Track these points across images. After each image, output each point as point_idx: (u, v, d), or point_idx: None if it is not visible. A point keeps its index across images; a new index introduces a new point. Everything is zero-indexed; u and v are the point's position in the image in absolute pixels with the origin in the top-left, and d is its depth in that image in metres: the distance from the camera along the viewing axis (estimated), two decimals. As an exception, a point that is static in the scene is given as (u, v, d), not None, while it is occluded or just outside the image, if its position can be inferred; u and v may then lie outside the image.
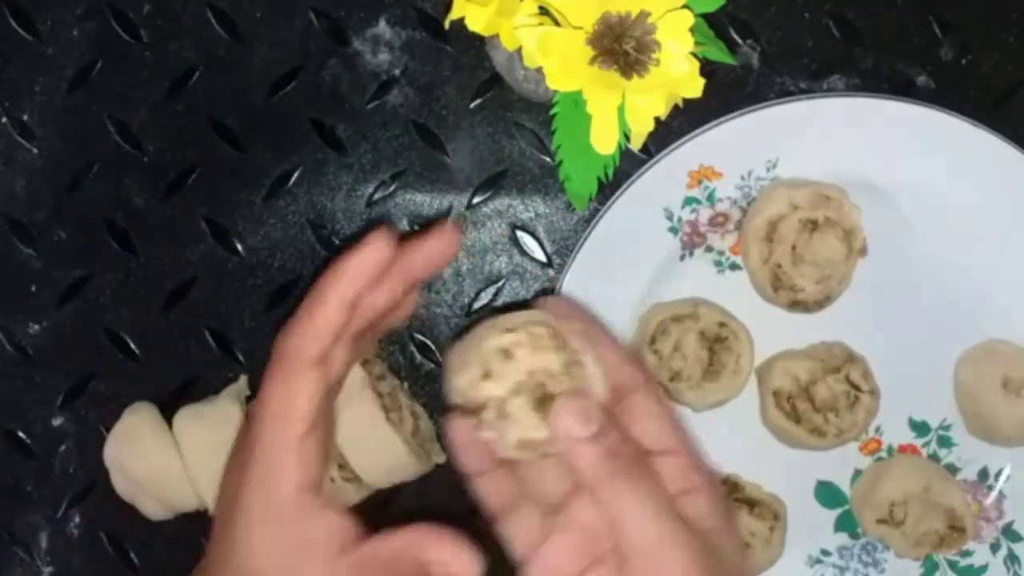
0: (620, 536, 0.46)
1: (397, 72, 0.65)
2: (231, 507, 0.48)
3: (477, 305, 0.65)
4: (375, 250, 0.48)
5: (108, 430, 0.63)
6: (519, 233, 0.65)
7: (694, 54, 0.49)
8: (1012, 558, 0.65)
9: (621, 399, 0.50)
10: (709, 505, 0.49)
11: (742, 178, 0.62)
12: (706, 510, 0.48)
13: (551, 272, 0.65)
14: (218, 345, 0.65)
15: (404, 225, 0.65)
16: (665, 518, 0.46)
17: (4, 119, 0.65)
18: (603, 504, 0.46)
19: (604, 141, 0.50)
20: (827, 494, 0.65)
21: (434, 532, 0.49)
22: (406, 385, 0.65)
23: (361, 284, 0.48)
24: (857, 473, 0.65)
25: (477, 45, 0.64)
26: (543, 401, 0.47)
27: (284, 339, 0.48)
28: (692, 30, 0.48)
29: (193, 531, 0.63)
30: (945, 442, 0.65)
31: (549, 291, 0.65)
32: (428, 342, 0.65)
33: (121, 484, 0.63)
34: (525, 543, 0.50)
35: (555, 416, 0.46)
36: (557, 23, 0.49)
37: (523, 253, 0.65)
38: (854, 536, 0.65)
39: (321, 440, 0.48)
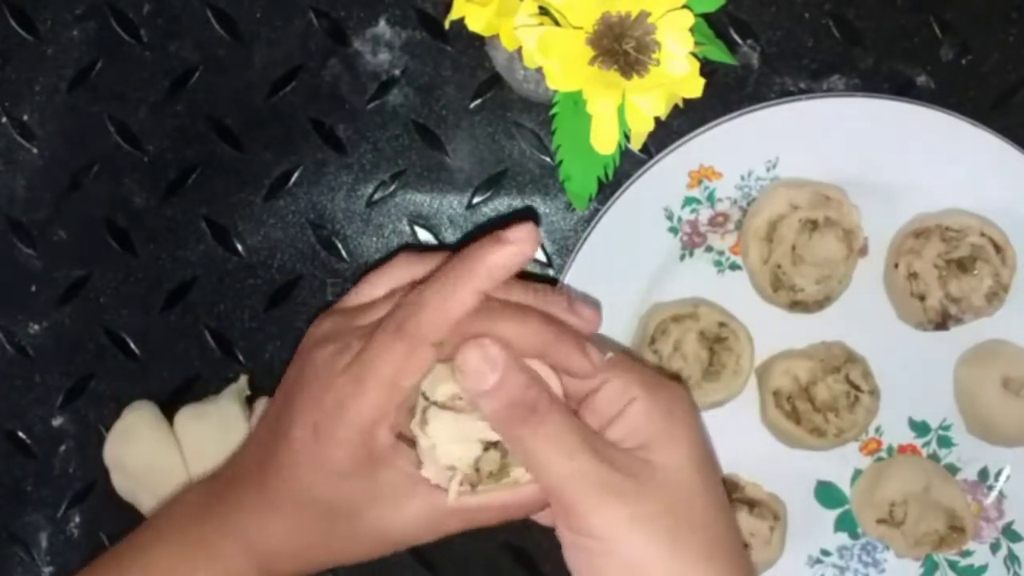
0: (538, 481, 0.46)
1: (397, 72, 0.65)
2: (320, 446, 0.47)
3: (477, 305, 0.65)
4: (521, 253, 0.47)
5: (108, 430, 0.63)
6: (519, 233, 0.65)
7: (694, 54, 0.49)
8: (1012, 558, 0.65)
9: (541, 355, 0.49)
10: (643, 414, 0.48)
11: (742, 178, 0.62)
12: (641, 420, 0.47)
13: (551, 272, 0.65)
14: (218, 345, 0.65)
15: (404, 225, 0.65)
16: (578, 458, 0.45)
17: (4, 119, 0.65)
18: (515, 453, 0.46)
19: (604, 141, 0.50)
20: (827, 494, 0.65)
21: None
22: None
23: (498, 282, 0.47)
24: (857, 473, 0.65)
25: (477, 45, 0.64)
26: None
27: (415, 316, 0.46)
28: (692, 30, 0.48)
29: (193, 531, 0.63)
30: (945, 442, 0.65)
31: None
32: (428, 342, 0.65)
33: (121, 483, 0.63)
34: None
35: (457, 370, 0.46)
36: (557, 23, 0.49)
37: (523, 253, 0.65)
38: (854, 536, 0.65)
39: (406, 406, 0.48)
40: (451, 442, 0.47)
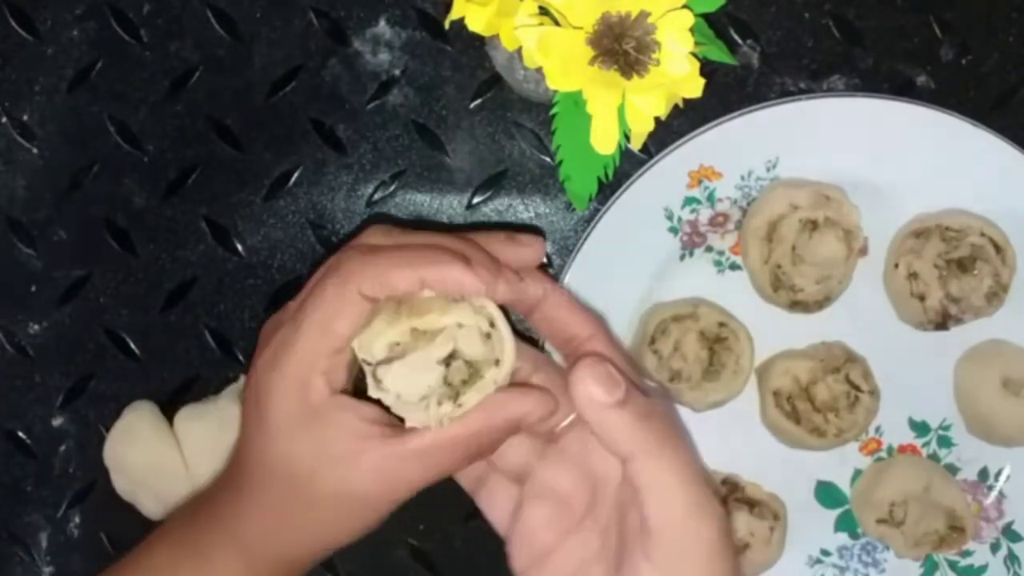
0: (647, 507, 0.44)
1: (397, 72, 0.65)
2: (260, 406, 0.47)
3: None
4: (476, 288, 0.47)
5: (108, 430, 0.63)
6: (519, 233, 0.65)
7: (694, 54, 0.49)
8: (1012, 558, 0.65)
9: (574, 350, 0.50)
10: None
11: (742, 178, 0.62)
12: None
13: (551, 272, 0.65)
14: (218, 345, 0.65)
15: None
16: (696, 487, 0.44)
17: (4, 119, 0.65)
18: (634, 474, 0.44)
19: (604, 141, 0.50)
20: (827, 494, 0.65)
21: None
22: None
23: (443, 290, 0.47)
24: (857, 473, 0.65)
25: (477, 45, 0.64)
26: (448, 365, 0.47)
27: (358, 264, 0.46)
28: (692, 30, 0.48)
29: (193, 531, 0.63)
30: (945, 442, 0.65)
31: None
32: (428, 342, 0.65)
33: (121, 483, 0.63)
34: (501, 517, 0.49)
35: (576, 383, 0.44)
36: (557, 23, 0.49)
37: (523, 253, 0.65)
38: (854, 536, 0.65)
39: (348, 367, 0.48)
40: (412, 383, 0.46)
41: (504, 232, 0.52)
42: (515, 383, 0.49)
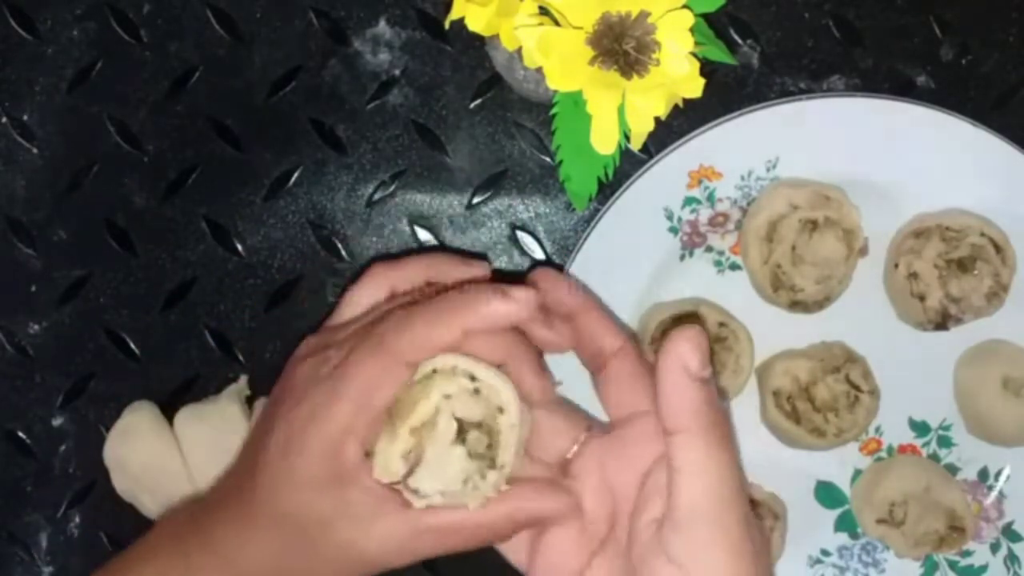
0: (682, 489, 0.43)
1: (397, 72, 0.65)
2: (290, 458, 0.47)
3: (477, 305, 0.65)
4: (518, 313, 0.46)
5: (108, 430, 0.63)
6: (519, 233, 0.65)
7: (694, 54, 0.49)
8: (1012, 558, 0.65)
9: (604, 365, 0.49)
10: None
11: (742, 178, 0.62)
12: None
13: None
14: (218, 345, 0.65)
15: (404, 225, 0.65)
16: (733, 484, 0.44)
17: (4, 119, 0.65)
18: (679, 450, 0.44)
19: (604, 141, 0.50)
20: (827, 494, 0.65)
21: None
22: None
23: (487, 330, 0.46)
24: (857, 473, 0.65)
25: (477, 45, 0.64)
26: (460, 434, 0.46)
27: (397, 333, 0.46)
28: (692, 30, 0.48)
29: (193, 531, 0.63)
30: (945, 442, 0.65)
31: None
32: (428, 342, 0.65)
33: (121, 483, 0.63)
34: (517, 549, 0.49)
35: (677, 343, 0.44)
36: (557, 23, 0.49)
37: (523, 253, 0.65)
38: (854, 536, 0.65)
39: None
40: (445, 476, 0.46)
41: (453, 254, 0.53)
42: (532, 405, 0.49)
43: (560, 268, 0.64)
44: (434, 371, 0.46)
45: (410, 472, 0.46)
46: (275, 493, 0.48)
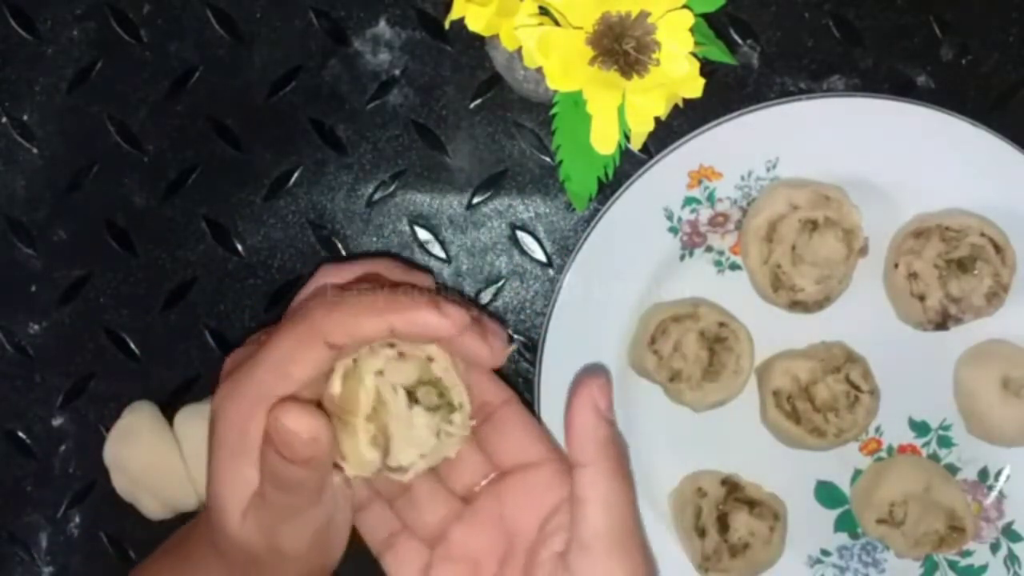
0: (588, 518, 0.46)
1: (397, 72, 0.65)
2: (217, 436, 0.48)
3: (477, 305, 0.65)
4: (447, 330, 0.46)
5: (108, 430, 0.63)
6: (519, 233, 0.65)
7: (694, 54, 0.49)
8: (1012, 558, 0.65)
9: (488, 416, 0.51)
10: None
11: (742, 178, 0.62)
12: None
13: (551, 272, 0.65)
14: (218, 345, 0.65)
15: (404, 225, 0.65)
16: (632, 522, 0.47)
17: (4, 119, 0.65)
18: (593, 486, 0.47)
19: (604, 141, 0.50)
20: (827, 494, 0.65)
21: None
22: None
23: (413, 335, 0.47)
24: (857, 473, 0.65)
25: (477, 45, 0.64)
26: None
27: (323, 310, 0.46)
28: (692, 30, 0.48)
29: (193, 531, 0.63)
30: (945, 442, 0.65)
31: (549, 292, 0.65)
32: (428, 342, 0.65)
33: (121, 483, 0.63)
34: None
35: (590, 385, 0.47)
36: (557, 23, 0.49)
37: (523, 253, 0.65)
38: (854, 536, 0.65)
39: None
40: (419, 441, 0.47)
41: (398, 262, 0.54)
42: (486, 416, 0.51)
43: (560, 269, 0.64)
44: (354, 360, 0.47)
45: (386, 454, 0.46)
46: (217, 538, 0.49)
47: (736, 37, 0.64)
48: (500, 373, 0.64)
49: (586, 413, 0.47)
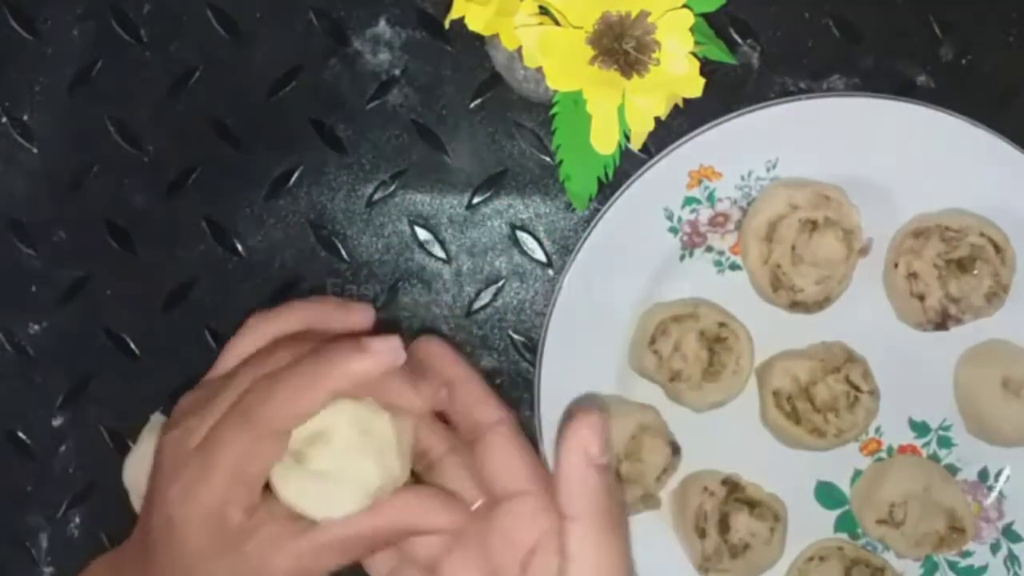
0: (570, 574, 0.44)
1: (397, 72, 0.65)
2: (175, 538, 0.46)
3: (477, 305, 0.65)
4: (380, 364, 0.45)
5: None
6: (519, 233, 0.65)
7: (694, 54, 0.49)
8: (1012, 558, 0.65)
9: (478, 438, 0.48)
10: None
11: (742, 178, 0.62)
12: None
13: (551, 272, 0.65)
14: (218, 345, 0.65)
15: (404, 225, 0.65)
16: (626, 564, 0.45)
17: (4, 119, 0.65)
18: (579, 544, 0.44)
19: (604, 141, 0.50)
20: (827, 494, 0.65)
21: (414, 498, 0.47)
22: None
23: (355, 387, 0.46)
24: (857, 473, 0.65)
25: (477, 45, 0.64)
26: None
27: (263, 406, 0.45)
28: (692, 30, 0.48)
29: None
30: (945, 442, 0.65)
31: (549, 292, 0.65)
32: (428, 342, 0.65)
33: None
34: None
35: (579, 427, 0.44)
36: (557, 23, 0.49)
37: (523, 253, 0.65)
38: (854, 536, 0.65)
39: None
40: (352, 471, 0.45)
41: (333, 300, 0.51)
42: (428, 463, 0.48)
43: (560, 269, 0.64)
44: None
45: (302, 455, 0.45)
46: (169, 567, 0.47)
47: (736, 37, 0.64)
48: (503, 376, 0.65)
49: (574, 459, 0.44)
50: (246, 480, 0.45)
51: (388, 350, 0.45)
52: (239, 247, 0.65)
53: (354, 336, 0.47)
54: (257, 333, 0.51)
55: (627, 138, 0.51)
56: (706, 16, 0.51)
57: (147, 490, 0.49)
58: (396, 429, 0.46)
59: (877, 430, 0.64)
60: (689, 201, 0.62)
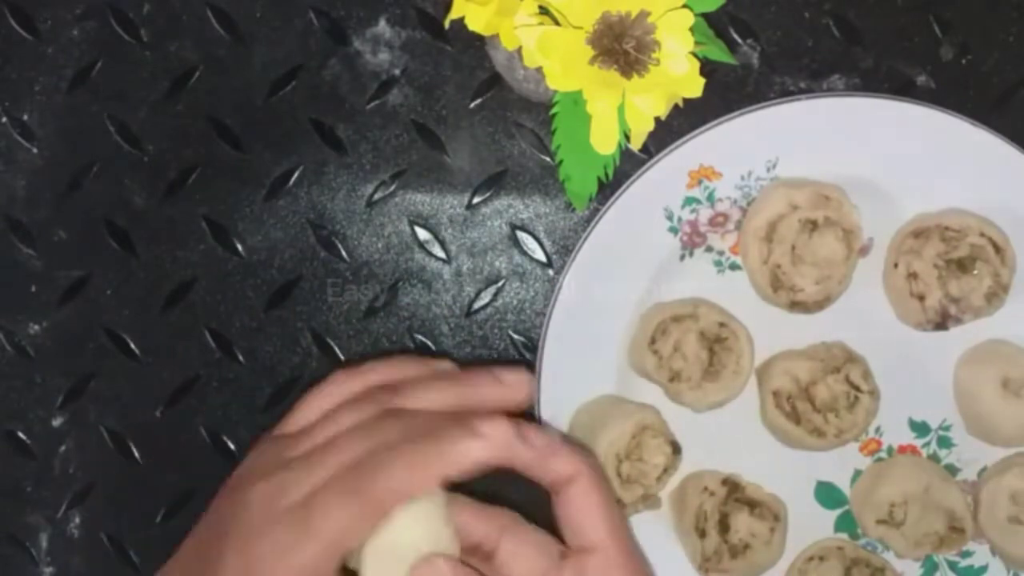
0: None
1: (397, 72, 0.65)
2: None
3: (477, 305, 0.65)
4: (492, 449, 0.44)
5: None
6: (519, 233, 0.65)
7: (694, 54, 0.49)
8: (1012, 558, 0.65)
9: (559, 492, 0.47)
10: None
11: (742, 178, 0.62)
12: None
13: (551, 272, 0.65)
14: (218, 345, 0.65)
15: (404, 225, 0.65)
16: None
17: (4, 119, 0.65)
18: (592, 567, 0.45)
19: (604, 141, 0.50)
20: (827, 494, 0.65)
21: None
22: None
23: (466, 473, 0.44)
24: (857, 473, 0.65)
25: (477, 45, 0.64)
26: None
27: (374, 481, 0.44)
28: (692, 30, 0.48)
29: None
30: (945, 442, 0.65)
31: (549, 292, 0.65)
32: (428, 342, 0.65)
33: None
34: None
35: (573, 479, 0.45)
36: (557, 23, 0.49)
37: (523, 253, 0.65)
38: (854, 536, 0.65)
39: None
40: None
41: (487, 371, 0.49)
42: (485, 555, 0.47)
43: (560, 269, 0.64)
44: None
45: None
46: None
47: (736, 37, 0.64)
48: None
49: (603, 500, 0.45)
50: (341, 552, 0.44)
51: (503, 435, 0.44)
52: (239, 247, 0.65)
53: (460, 415, 0.46)
54: (343, 388, 0.50)
55: (627, 138, 0.51)
56: (706, 16, 0.51)
57: (209, 536, 0.47)
58: (449, 511, 0.46)
59: (877, 430, 0.64)
60: (689, 201, 0.62)
